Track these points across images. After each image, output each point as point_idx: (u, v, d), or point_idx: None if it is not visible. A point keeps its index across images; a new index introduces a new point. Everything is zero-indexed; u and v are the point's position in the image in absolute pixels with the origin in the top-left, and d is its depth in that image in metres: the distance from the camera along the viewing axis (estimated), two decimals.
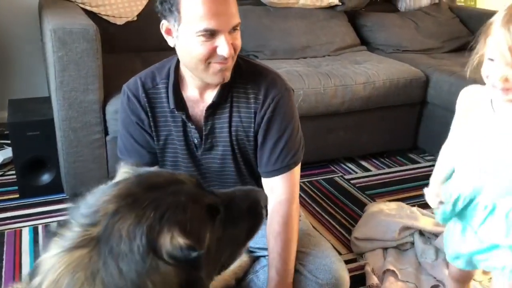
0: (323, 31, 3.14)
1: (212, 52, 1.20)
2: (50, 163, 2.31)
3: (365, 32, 3.38)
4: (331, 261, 1.36)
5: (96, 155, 2.19)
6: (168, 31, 1.26)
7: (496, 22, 1.17)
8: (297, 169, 1.39)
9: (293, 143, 1.35)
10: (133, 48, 2.87)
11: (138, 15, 2.91)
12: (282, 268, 1.30)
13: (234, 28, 1.21)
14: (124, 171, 0.84)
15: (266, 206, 0.97)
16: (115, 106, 2.12)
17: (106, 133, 2.19)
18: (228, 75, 1.26)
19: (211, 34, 1.17)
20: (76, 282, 0.67)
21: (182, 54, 1.26)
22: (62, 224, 0.74)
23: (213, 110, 1.32)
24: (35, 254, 1.93)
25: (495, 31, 1.16)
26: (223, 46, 1.18)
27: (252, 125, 1.34)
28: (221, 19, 1.17)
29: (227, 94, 1.32)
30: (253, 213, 0.93)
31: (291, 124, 1.35)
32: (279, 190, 1.35)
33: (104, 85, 2.12)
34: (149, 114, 1.35)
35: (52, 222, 2.15)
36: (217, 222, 0.82)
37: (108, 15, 2.84)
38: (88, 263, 0.68)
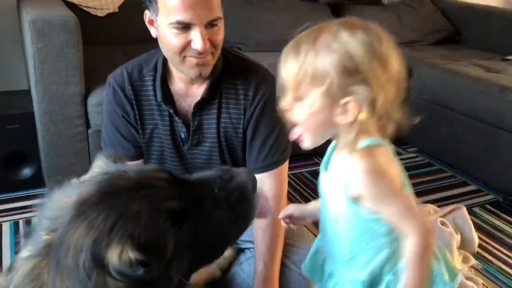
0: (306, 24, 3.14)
1: (187, 45, 1.17)
2: (30, 157, 2.27)
3: None
4: None
5: (77, 149, 2.16)
6: (151, 22, 1.25)
7: None
8: (286, 165, 1.39)
9: (282, 140, 1.34)
10: (114, 40, 2.83)
11: (119, 7, 2.87)
12: (270, 262, 1.30)
13: (212, 23, 1.17)
14: (97, 165, 0.80)
15: (255, 189, 0.89)
16: (96, 98, 2.10)
17: (88, 126, 2.16)
18: (206, 70, 1.23)
19: (184, 27, 1.15)
20: None
21: (161, 45, 1.24)
22: (32, 228, 0.72)
23: (201, 106, 1.30)
24: (16, 248, 1.90)
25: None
26: (196, 40, 1.15)
27: (242, 121, 1.32)
28: (195, 12, 1.13)
29: (216, 90, 1.30)
30: (241, 202, 0.84)
31: (281, 120, 1.34)
32: (267, 186, 1.35)
33: (85, 78, 2.09)
34: (135, 106, 1.32)
35: (33, 217, 2.12)
36: (185, 226, 0.75)
37: (89, 7, 2.80)
38: (40, 274, 0.65)
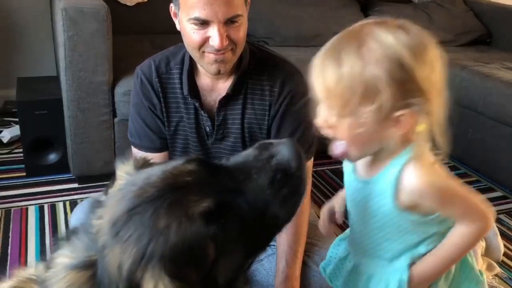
0: (334, 20, 3.10)
1: (205, 42, 1.17)
2: (57, 143, 2.31)
3: None
4: None
5: (103, 137, 2.19)
6: (175, 15, 1.26)
7: None
8: (310, 164, 1.37)
9: (307, 137, 1.33)
10: (143, 30, 2.85)
11: None
12: (292, 260, 1.30)
13: (232, 20, 1.15)
14: (120, 176, 0.77)
15: (300, 164, 0.77)
16: (124, 88, 2.11)
17: (114, 115, 2.18)
18: (225, 67, 1.22)
19: (202, 23, 1.14)
20: None
21: (183, 39, 1.24)
22: (73, 231, 0.71)
23: (226, 101, 1.30)
24: (41, 232, 1.94)
25: None
26: (214, 38, 1.14)
27: (266, 117, 1.31)
28: (213, 9, 1.12)
29: (242, 85, 1.29)
30: (285, 183, 0.74)
31: (306, 117, 1.33)
32: None
33: (113, 67, 2.11)
34: (161, 99, 1.33)
35: (57, 201, 2.16)
36: (226, 222, 0.69)
37: None
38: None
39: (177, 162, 0.74)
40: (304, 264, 1.35)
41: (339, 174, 2.60)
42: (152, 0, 2.86)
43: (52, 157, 2.35)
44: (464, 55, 3.05)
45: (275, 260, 1.35)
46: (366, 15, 3.31)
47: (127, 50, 2.39)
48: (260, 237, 0.76)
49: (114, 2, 2.74)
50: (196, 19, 1.13)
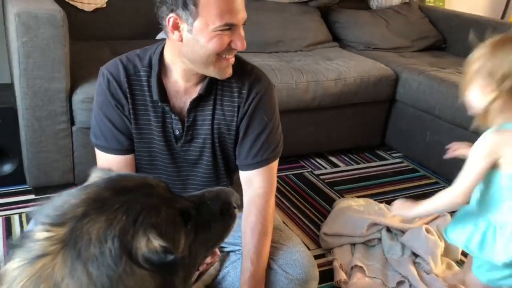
0: (295, 26, 3.14)
1: (227, 46, 1.21)
2: (11, 153, 2.22)
3: (337, 28, 3.40)
4: (301, 256, 1.37)
5: (61, 146, 2.12)
6: (175, 26, 1.20)
7: None
8: (276, 163, 1.41)
9: (273, 138, 1.37)
10: (101, 36, 2.78)
11: (107, 2, 2.81)
12: (257, 259, 1.31)
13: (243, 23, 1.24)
14: (95, 175, 0.81)
15: (238, 206, 0.97)
16: (82, 95, 2.06)
17: (72, 123, 2.12)
18: (231, 71, 1.29)
19: (229, 28, 1.19)
20: None
21: (193, 49, 1.21)
22: (24, 236, 0.69)
23: (197, 102, 1.32)
24: None
25: None
26: (239, 40, 1.21)
27: (235, 118, 1.34)
28: (239, 13, 1.19)
29: (212, 87, 1.32)
30: (225, 214, 0.93)
31: (273, 118, 1.37)
32: (257, 183, 1.37)
33: (71, 74, 2.05)
34: (129, 100, 1.31)
35: (13, 214, 2.07)
36: (189, 226, 0.80)
37: (76, 1, 2.74)
38: (52, 272, 0.64)
39: (149, 175, 0.86)
40: (269, 267, 1.35)
41: (302, 178, 2.62)
42: (111, 6, 2.80)
43: (7, 167, 2.25)
44: (421, 60, 3.13)
45: (238, 268, 1.36)
46: (326, 21, 3.36)
47: (85, 57, 2.34)
48: (204, 250, 0.89)
49: (71, 8, 2.68)
50: (227, 24, 1.18)
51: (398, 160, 2.98)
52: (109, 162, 1.33)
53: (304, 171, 2.72)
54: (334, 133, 2.84)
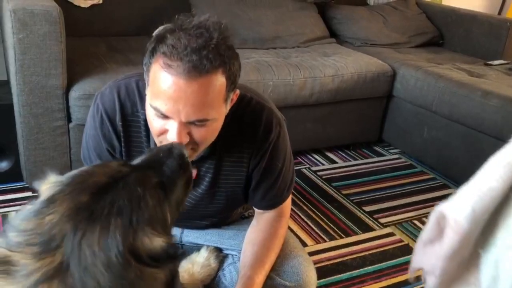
0: (293, 22, 3.13)
1: (163, 132, 1.03)
2: (8, 150, 2.21)
3: (335, 24, 3.39)
4: (298, 263, 1.31)
5: (57, 143, 2.11)
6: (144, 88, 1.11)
7: None
8: (289, 200, 1.36)
9: (287, 178, 1.29)
10: (98, 32, 2.76)
11: None
12: (258, 267, 1.24)
13: (196, 123, 1.01)
14: (51, 183, 0.72)
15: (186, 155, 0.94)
16: (79, 92, 2.05)
17: (69, 120, 2.11)
18: (191, 156, 1.07)
19: (162, 114, 1.00)
20: None
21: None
22: (9, 271, 0.62)
23: (198, 161, 1.20)
24: None
25: None
26: (171, 134, 1.01)
27: (245, 169, 1.23)
28: (176, 106, 0.97)
29: (215, 147, 1.18)
30: (184, 168, 0.92)
31: (286, 160, 1.28)
32: (271, 217, 1.33)
33: (67, 70, 2.04)
34: (123, 142, 1.20)
35: (10, 211, 2.06)
36: (168, 195, 0.80)
37: None
38: None
39: (101, 163, 0.83)
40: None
41: (300, 175, 2.62)
42: (107, 2, 2.79)
43: (3, 165, 2.24)
44: (418, 56, 3.14)
45: (235, 270, 1.32)
46: (323, 17, 3.36)
47: (82, 53, 2.32)
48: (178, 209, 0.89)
49: (67, 4, 2.66)
50: (155, 109, 1.00)
51: (395, 156, 2.99)
52: None
53: (301, 167, 2.72)
54: (331, 129, 2.84)
